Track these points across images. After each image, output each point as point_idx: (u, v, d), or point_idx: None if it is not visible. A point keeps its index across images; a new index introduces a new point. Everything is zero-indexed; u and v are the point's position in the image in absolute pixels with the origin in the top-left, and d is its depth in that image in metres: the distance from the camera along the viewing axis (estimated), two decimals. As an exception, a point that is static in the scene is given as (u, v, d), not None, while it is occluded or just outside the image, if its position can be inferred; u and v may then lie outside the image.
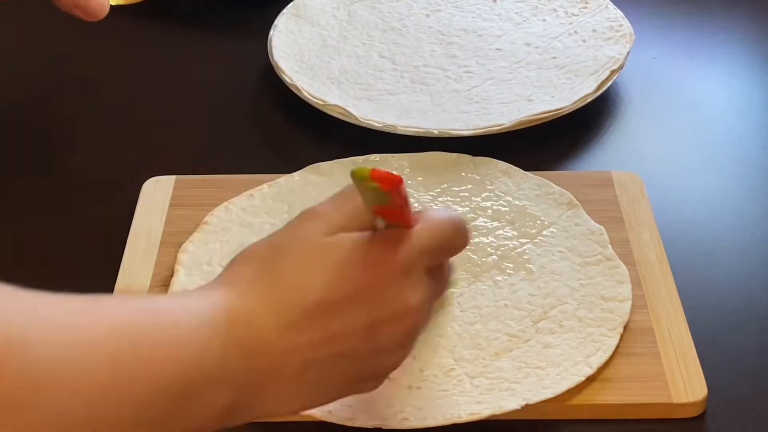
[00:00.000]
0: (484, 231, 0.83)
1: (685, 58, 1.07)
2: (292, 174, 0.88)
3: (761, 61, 1.07)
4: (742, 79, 1.05)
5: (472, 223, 0.83)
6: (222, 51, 1.08)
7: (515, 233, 0.83)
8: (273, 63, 1.01)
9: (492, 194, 0.86)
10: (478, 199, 0.86)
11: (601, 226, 0.82)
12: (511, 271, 0.79)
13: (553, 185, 0.86)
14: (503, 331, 0.75)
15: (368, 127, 0.93)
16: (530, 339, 0.74)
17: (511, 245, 0.82)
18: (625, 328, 0.75)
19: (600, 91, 0.97)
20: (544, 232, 0.83)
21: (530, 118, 0.93)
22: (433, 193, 0.87)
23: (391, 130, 0.93)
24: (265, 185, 0.87)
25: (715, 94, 1.04)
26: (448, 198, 0.86)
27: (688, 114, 1.00)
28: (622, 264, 0.79)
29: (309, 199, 0.85)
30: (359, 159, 0.89)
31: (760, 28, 1.11)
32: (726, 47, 1.09)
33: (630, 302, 0.76)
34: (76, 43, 1.09)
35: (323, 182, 0.87)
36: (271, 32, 1.05)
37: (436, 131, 0.92)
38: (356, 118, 0.94)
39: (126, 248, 0.82)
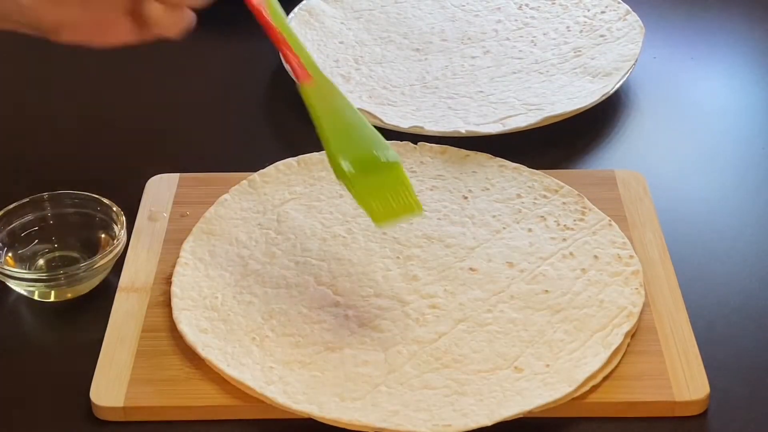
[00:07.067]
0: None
1: (685, 58, 1.08)
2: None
3: (761, 61, 1.08)
4: (742, 79, 1.05)
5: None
6: (229, 48, 1.08)
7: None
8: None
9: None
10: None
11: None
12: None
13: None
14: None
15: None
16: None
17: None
18: (628, 326, 0.75)
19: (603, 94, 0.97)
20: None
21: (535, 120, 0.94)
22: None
23: None
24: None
25: (715, 94, 1.04)
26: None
27: (689, 113, 1.00)
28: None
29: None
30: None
31: (760, 28, 1.11)
32: (726, 47, 1.09)
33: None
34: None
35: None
36: None
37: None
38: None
39: (129, 246, 0.82)
